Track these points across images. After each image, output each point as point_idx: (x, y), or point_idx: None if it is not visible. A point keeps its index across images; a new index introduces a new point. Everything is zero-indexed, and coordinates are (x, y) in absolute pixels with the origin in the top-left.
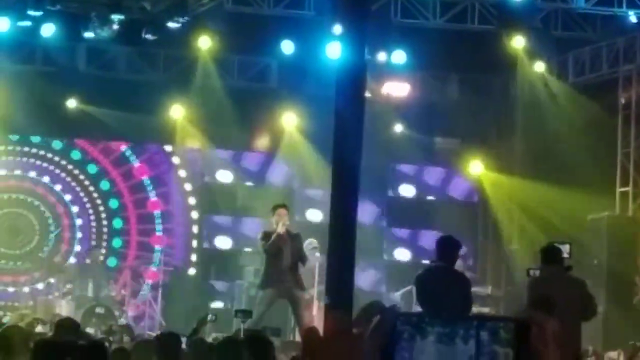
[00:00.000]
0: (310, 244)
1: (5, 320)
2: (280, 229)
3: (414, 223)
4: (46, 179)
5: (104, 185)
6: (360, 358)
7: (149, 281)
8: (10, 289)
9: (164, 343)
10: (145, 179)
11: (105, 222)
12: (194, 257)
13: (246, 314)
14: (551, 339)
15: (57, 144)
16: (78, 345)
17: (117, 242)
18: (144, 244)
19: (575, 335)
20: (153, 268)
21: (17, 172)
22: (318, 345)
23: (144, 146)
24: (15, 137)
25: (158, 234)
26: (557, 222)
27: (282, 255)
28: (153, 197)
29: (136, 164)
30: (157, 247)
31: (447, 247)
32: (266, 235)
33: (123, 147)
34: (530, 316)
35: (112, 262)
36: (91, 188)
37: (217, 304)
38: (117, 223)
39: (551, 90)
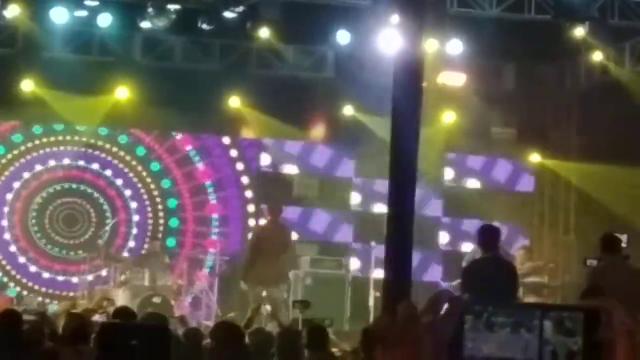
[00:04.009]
0: None
1: (51, 308)
2: None
3: (469, 212)
4: (108, 172)
5: (165, 183)
6: (429, 348)
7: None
8: (66, 278)
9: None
10: (207, 181)
11: (162, 221)
12: None
13: (304, 304)
14: (620, 328)
15: (122, 139)
16: (143, 329)
17: (171, 242)
18: (199, 242)
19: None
20: (205, 270)
21: (78, 162)
22: (388, 334)
23: (207, 149)
24: (78, 127)
25: (213, 237)
26: (613, 213)
27: None
28: (213, 200)
29: (200, 166)
30: (211, 250)
31: (488, 234)
32: None
33: (188, 147)
34: (600, 304)
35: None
36: (152, 185)
37: None
38: (174, 222)
39: (608, 79)
